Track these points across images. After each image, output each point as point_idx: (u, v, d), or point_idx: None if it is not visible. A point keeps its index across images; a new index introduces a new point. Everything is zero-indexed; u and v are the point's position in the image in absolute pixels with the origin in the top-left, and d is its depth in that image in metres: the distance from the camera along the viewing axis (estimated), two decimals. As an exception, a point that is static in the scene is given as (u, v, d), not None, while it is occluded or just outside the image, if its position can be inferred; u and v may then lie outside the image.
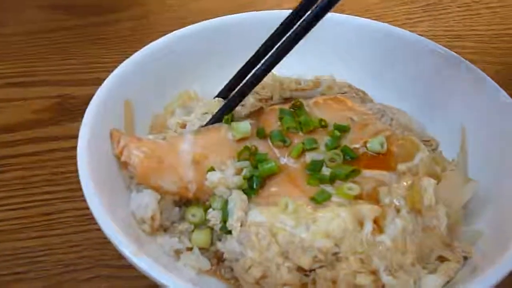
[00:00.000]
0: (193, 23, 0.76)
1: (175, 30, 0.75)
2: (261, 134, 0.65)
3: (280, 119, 0.66)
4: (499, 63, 0.97)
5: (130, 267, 0.66)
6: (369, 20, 0.80)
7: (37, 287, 0.65)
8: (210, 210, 0.60)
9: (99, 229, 0.70)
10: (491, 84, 0.68)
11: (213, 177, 0.60)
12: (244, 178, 0.60)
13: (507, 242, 0.52)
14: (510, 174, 0.60)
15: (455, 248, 0.55)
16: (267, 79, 0.68)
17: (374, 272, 0.53)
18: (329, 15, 0.79)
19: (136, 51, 0.71)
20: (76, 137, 0.84)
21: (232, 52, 0.77)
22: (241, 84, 0.67)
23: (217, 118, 0.67)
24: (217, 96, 0.72)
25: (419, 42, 0.75)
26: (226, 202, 0.59)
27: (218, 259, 0.59)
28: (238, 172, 0.61)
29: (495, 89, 0.67)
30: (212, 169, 0.61)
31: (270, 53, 0.64)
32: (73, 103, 0.92)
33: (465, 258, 0.55)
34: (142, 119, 0.70)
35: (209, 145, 0.63)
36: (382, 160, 0.62)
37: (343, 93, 0.74)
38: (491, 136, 0.64)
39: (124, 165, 0.61)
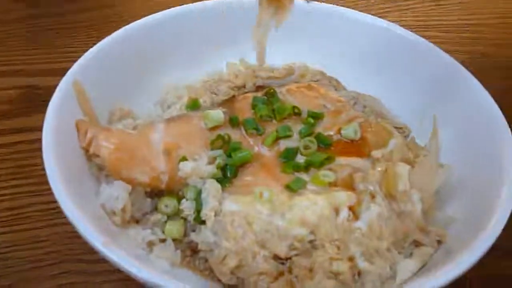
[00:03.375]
0: (159, 11, 0.74)
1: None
2: (234, 122, 0.64)
3: (254, 107, 0.65)
4: (466, 52, 0.98)
5: (99, 262, 0.65)
6: (341, 7, 0.79)
7: (3, 285, 0.63)
8: (184, 200, 0.58)
9: (66, 224, 0.68)
10: (463, 71, 0.68)
11: (186, 167, 0.58)
12: (217, 168, 0.59)
13: (478, 227, 0.52)
14: (481, 160, 0.61)
15: (429, 233, 0.55)
16: (240, 67, 0.66)
17: (350, 259, 0.52)
18: (301, 2, 0.79)
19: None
20: (41, 129, 0.82)
21: (197, 41, 0.75)
22: None
23: None
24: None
25: (389, 29, 0.75)
26: (199, 192, 0.58)
27: (192, 250, 0.58)
28: (212, 161, 0.60)
29: (467, 76, 0.67)
30: (184, 158, 0.59)
31: None
32: (39, 94, 0.89)
33: (439, 242, 0.55)
34: (107, 108, 0.67)
35: (180, 134, 0.62)
36: (356, 147, 0.62)
37: (315, 81, 0.73)
38: (463, 122, 0.65)
39: (93, 157, 0.59)
